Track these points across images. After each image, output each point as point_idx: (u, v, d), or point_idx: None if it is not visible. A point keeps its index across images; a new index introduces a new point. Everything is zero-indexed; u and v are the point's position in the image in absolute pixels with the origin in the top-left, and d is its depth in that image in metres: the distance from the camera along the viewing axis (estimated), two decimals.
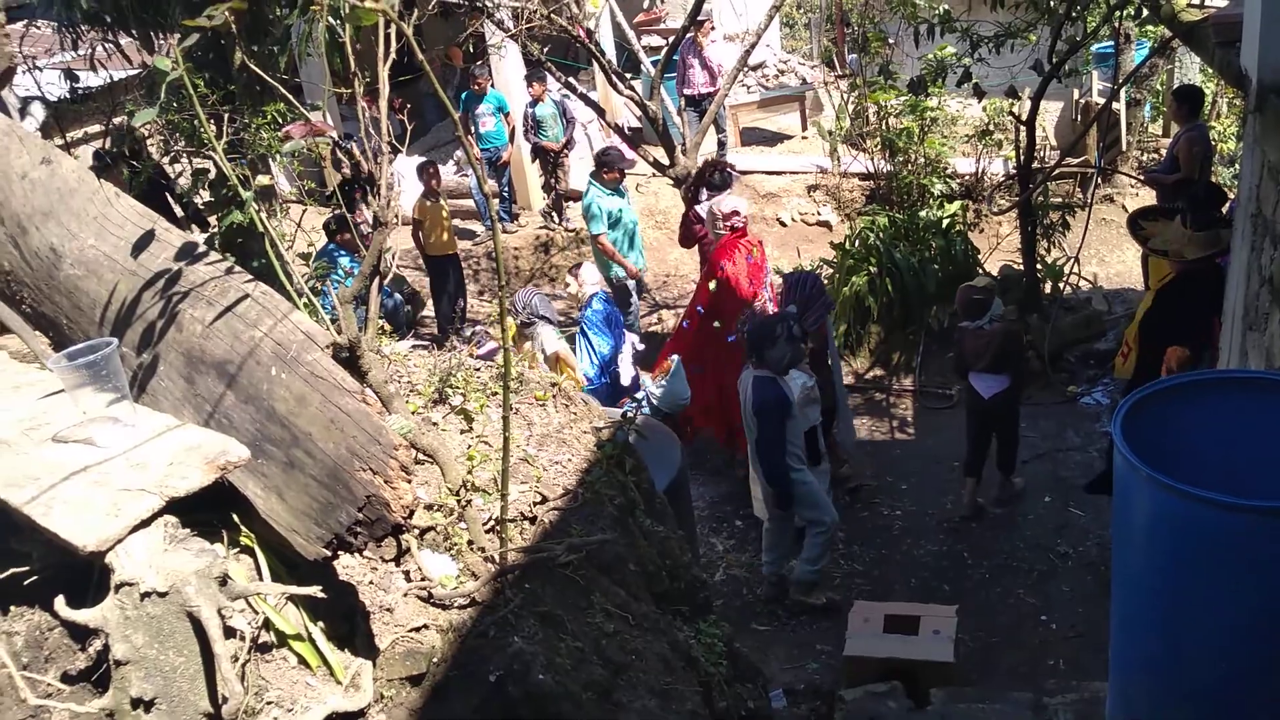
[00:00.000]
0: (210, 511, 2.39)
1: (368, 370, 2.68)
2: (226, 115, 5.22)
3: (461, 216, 13.80)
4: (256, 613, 2.37)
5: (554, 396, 4.10)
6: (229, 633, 2.24)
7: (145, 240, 2.68)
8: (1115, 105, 11.69)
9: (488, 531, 3.08)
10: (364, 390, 2.43)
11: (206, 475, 2.27)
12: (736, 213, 8.35)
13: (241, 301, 2.51)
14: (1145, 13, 8.62)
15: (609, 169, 9.96)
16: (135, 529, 2.19)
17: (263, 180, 3.10)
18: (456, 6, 9.51)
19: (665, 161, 10.18)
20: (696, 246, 9.26)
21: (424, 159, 11.84)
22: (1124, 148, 12.38)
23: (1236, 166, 8.83)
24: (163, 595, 2.15)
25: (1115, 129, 12.12)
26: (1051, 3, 8.98)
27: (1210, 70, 10.60)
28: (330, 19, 3.62)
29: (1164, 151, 10.27)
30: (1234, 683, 2.81)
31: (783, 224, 13.14)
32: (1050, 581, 7.11)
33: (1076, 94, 12.68)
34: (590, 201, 9.89)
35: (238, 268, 2.62)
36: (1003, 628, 6.74)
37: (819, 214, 13.10)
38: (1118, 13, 8.97)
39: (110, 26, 6.67)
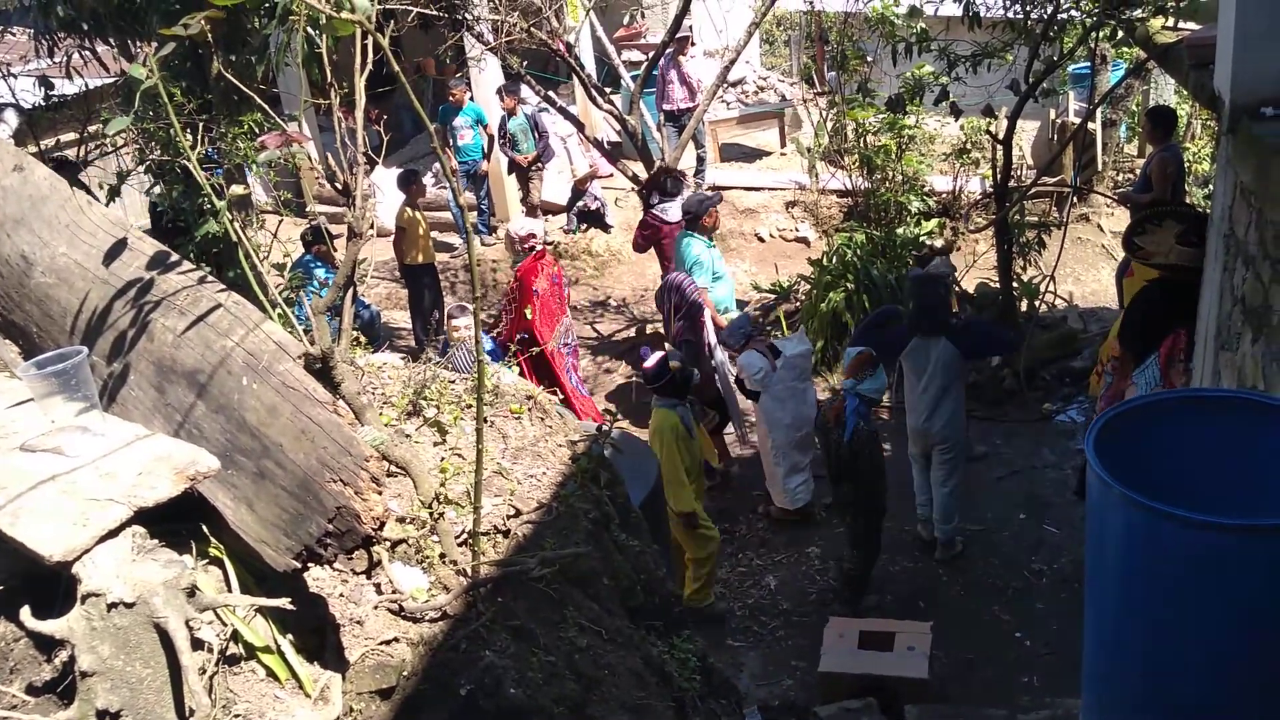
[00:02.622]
0: (179, 522, 2.37)
1: (340, 381, 2.67)
2: (203, 124, 5.21)
3: (439, 229, 13.78)
4: (225, 624, 2.35)
5: (530, 409, 4.09)
6: (197, 644, 2.21)
7: (117, 249, 2.66)
8: (1091, 125, 11.80)
9: (460, 545, 3.06)
10: (336, 401, 2.42)
11: (176, 485, 2.24)
12: (533, 235, 8.74)
13: (214, 311, 2.49)
14: (1121, 34, 8.71)
15: (703, 215, 9.17)
16: (103, 539, 2.17)
17: (237, 190, 3.08)
18: (436, 19, 9.50)
19: (644, 176, 10.23)
20: (654, 250, 10.22)
21: (406, 169, 11.83)
22: (1100, 167, 12.49)
23: (1210, 187, 8.91)
24: (130, 606, 2.12)
25: (1091, 149, 12.23)
26: (1028, 23, 9.05)
27: (1185, 92, 10.70)
28: (309, 29, 3.62)
29: (1139, 171, 10.35)
30: (1206, 702, 2.81)
31: (760, 240, 13.17)
32: (1025, 599, 7.13)
33: (1053, 114, 12.78)
34: (688, 254, 9.21)
35: (210, 277, 2.60)
36: (978, 644, 6.76)
37: (797, 230, 13.15)
38: (1094, 34, 9.05)
39: (87, 34, 6.64)
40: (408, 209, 10.84)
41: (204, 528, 2.42)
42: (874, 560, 7.30)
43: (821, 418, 7.33)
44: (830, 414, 7.02)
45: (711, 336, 8.63)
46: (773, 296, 11.39)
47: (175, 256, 2.64)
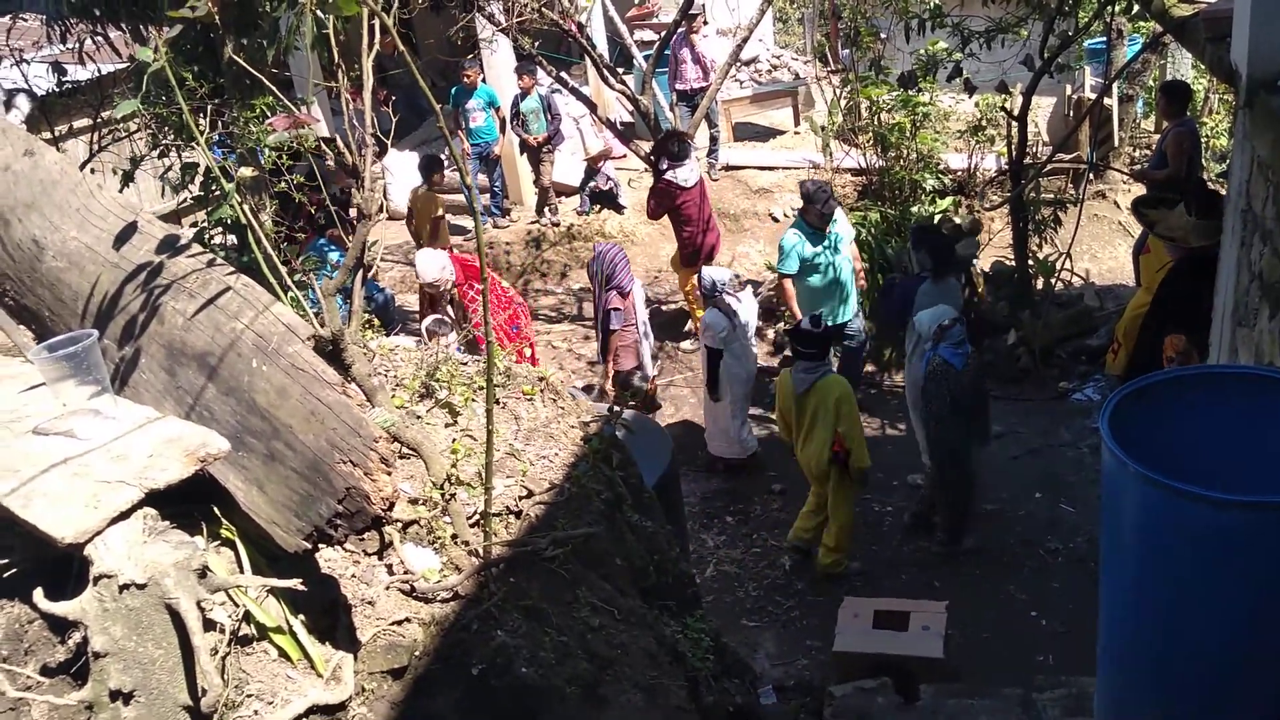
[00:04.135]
0: (190, 504, 2.38)
1: (351, 363, 2.67)
2: (213, 108, 5.20)
3: (454, 211, 13.76)
4: (237, 605, 2.36)
5: (541, 391, 4.09)
6: (208, 625, 2.22)
7: (128, 232, 2.67)
8: (1107, 101, 11.69)
9: (472, 525, 3.07)
10: (345, 383, 2.42)
11: (186, 467, 2.25)
12: (443, 268, 8.14)
13: (223, 294, 2.49)
14: (1137, 8, 8.62)
15: (811, 205, 8.77)
16: (114, 521, 2.18)
17: (246, 172, 3.08)
18: (447, 1, 9.48)
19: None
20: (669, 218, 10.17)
21: (428, 155, 11.85)
22: (1116, 143, 12.38)
23: (1227, 163, 8.84)
24: (142, 587, 2.14)
25: (1107, 125, 12.12)
26: None
27: (1201, 66, 10.60)
28: (319, 12, 3.61)
29: (1155, 147, 10.27)
30: (1222, 679, 2.81)
31: (775, 219, 13.11)
32: (1040, 577, 7.11)
33: (1069, 89, 12.67)
34: (783, 241, 8.98)
35: (220, 260, 2.61)
36: (992, 623, 6.74)
37: None
38: (1109, 8, 8.97)
39: (99, 19, 6.63)
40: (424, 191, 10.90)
41: (215, 509, 2.44)
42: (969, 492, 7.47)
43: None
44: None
45: (643, 313, 8.94)
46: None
47: (185, 240, 2.65)
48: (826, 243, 8.82)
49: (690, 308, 10.74)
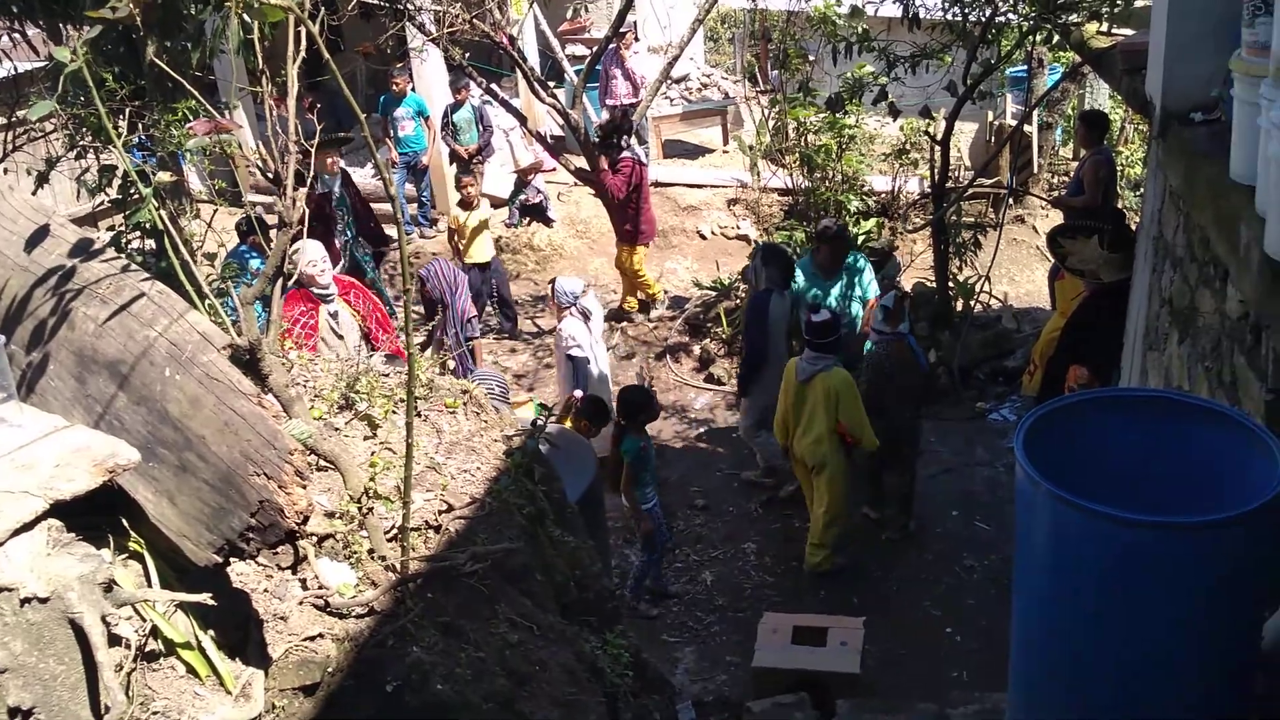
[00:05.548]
0: (98, 515, 2.32)
1: (268, 373, 2.63)
2: (133, 110, 5.10)
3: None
4: (144, 620, 2.30)
5: (465, 404, 4.06)
6: (114, 640, 2.17)
7: (39, 235, 2.60)
8: (1027, 128, 11.95)
9: (389, 540, 3.03)
10: (260, 393, 2.38)
11: (94, 478, 2.20)
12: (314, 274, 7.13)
13: (136, 300, 2.44)
14: (1057, 38, 8.83)
15: (821, 244, 8.38)
16: (17, 532, 2.12)
17: (163, 176, 3.02)
18: (377, 8, 9.40)
19: (587, 168, 10.21)
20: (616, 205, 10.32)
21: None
22: (1035, 170, 12.66)
23: (1141, 191, 9.05)
24: (44, 601, 2.08)
25: (1027, 151, 12.38)
26: (966, 25, 9.15)
27: (1118, 96, 10.87)
28: (245, 15, 3.56)
29: (1073, 174, 10.51)
30: (1132, 696, 2.86)
31: (702, 237, 13.20)
32: (956, 594, 7.21)
33: (990, 116, 12.94)
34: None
35: (134, 266, 2.55)
36: (909, 640, 6.82)
37: (738, 228, 13.19)
38: (1030, 37, 9.17)
39: (15, 16, 6.47)
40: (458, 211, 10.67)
41: (124, 521, 2.38)
42: None
43: (875, 367, 7.55)
44: (896, 359, 7.41)
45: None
46: (713, 293, 11.42)
47: (99, 244, 2.59)
48: (827, 291, 8.25)
49: (640, 281, 11.20)
